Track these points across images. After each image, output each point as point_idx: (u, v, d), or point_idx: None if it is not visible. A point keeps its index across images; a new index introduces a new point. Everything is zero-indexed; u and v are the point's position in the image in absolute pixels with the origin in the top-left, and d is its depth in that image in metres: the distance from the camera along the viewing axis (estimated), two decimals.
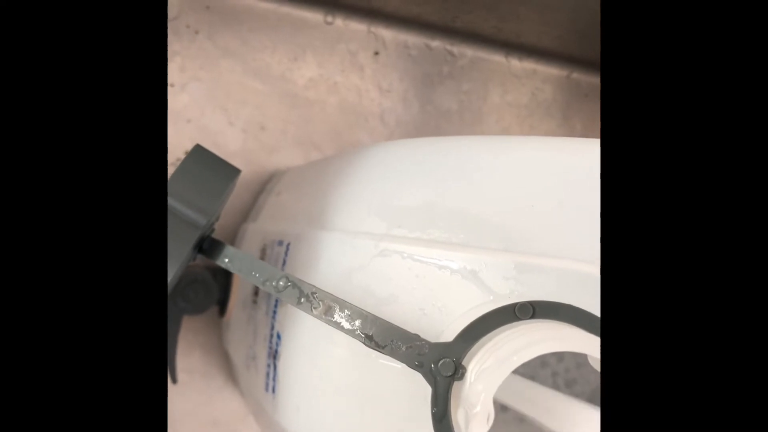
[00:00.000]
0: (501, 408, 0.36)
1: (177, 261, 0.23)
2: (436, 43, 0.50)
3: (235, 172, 0.27)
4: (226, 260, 0.26)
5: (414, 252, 0.24)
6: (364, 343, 0.21)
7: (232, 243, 0.44)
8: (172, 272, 0.23)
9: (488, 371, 0.18)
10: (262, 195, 0.44)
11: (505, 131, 0.52)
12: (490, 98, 0.52)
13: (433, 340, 0.22)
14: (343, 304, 0.21)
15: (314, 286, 0.22)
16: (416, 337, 0.20)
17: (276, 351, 0.29)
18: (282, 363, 0.28)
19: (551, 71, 0.53)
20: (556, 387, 0.48)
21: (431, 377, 0.20)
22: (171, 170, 0.25)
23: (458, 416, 0.19)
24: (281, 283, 0.23)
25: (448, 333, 0.22)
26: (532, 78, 0.53)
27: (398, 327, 0.21)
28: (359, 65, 0.48)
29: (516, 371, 0.39)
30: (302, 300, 0.22)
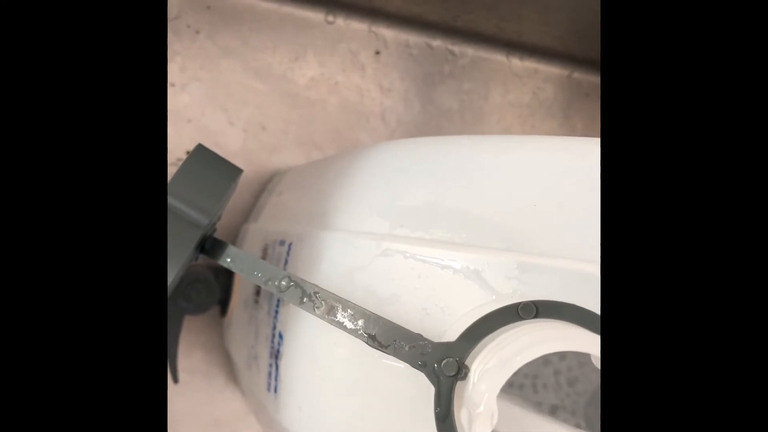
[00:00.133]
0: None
1: (179, 261, 0.23)
2: (437, 43, 0.50)
3: (236, 171, 0.27)
4: (228, 260, 0.26)
5: (416, 252, 0.24)
6: (367, 343, 0.21)
7: (234, 243, 0.44)
8: (174, 272, 0.23)
9: (492, 371, 0.18)
10: (263, 195, 0.44)
11: (507, 131, 0.52)
12: (491, 98, 0.52)
13: (436, 339, 0.22)
14: (346, 304, 0.21)
15: (317, 286, 0.22)
16: (419, 336, 0.20)
17: (278, 351, 0.29)
18: (284, 363, 0.28)
19: (552, 71, 0.53)
20: (558, 385, 0.48)
21: (434, 377, 0.20)
22: (172, 170, 0.25)
23: (461, 416, 0.19)
24: (284, 282, 0.23)
25: (451, 333, 0.22)
26: (533, 77, 0.53)
27: (401, 327, 0.20)
28: (360, 65, 0.48)
29: (517, 373, 0.39)
30: (305, 300, 0.22)
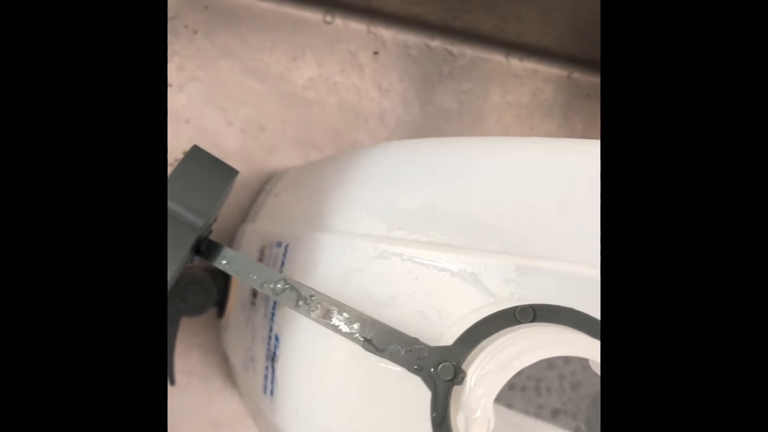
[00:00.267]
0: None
1: (174, 263, 0.23)
2: (436, 43, 0.50)
3: (232, 173, 0.27)
4: (224, 262, 0.25)
5: (413, 254, 0.24)
6: (362, 347, 0.21)
7: (231, 244, 0.44)
8: (170, 274, 0.23)
9: (488, 376, 0.18)
10: (261, 196, 0.44)
11: (506, 131, 0.52)
12: (490, 98, 0.51)
13: (432, 343, 0.22)
14: (342, 307, 0.21)
15: (312, 289, 0.22)
16: (415, 340, 0.20)
17: (274, 353, 0.29)
18: (280, 365, 0.28)
19: (552, 71, 0.53)
20: (561, 389, 0.48)
21: (431, 381, 0.20)
22: (168, 171, 0.25)
23: (458, 421, 0.19)
24: (279, 285, 0.23)
25: (448, 336, 0.22)
26: (532, 78, 0.52)
27: (397, 330, 0.20)
28: (359, 65, 0.48)
29: (520, 376, 0.38)
30: (300, 303, 0.22)
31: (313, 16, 0.47)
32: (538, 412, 0.49)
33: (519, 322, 0.19)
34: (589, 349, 0.18)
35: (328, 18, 0.47)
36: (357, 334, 0.21)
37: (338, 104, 0.48)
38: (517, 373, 0.18)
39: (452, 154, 0.26)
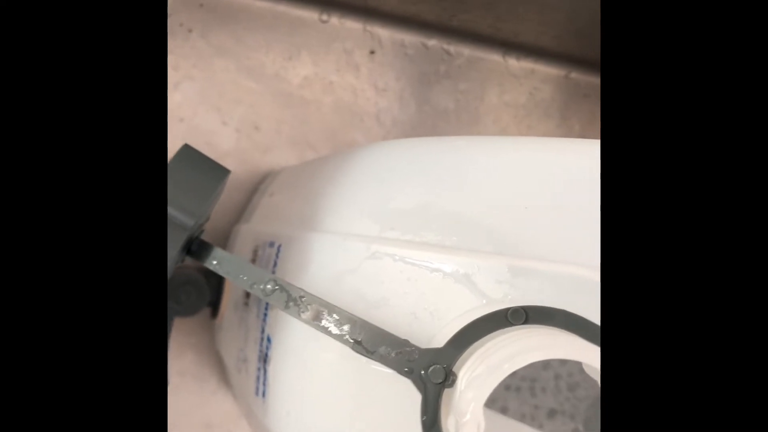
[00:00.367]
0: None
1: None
2: (433, 42, 0.49)
3: (224, 172, 0.27)
4: (215, 262, 0.25)
5: (406, 255, 0.24)
6: (352, 349, 0.20)
7: (225, 244, 0.43)
8: None
9: (479, 379, 0.18)
10: (255, 195, 0.44)
11: (503, 131, 0.52)
12: (487, 98, 0.51)
13: (424, 345, 0.21)
14: (332, 309, 0.21)
15: (302, 290, 0.22)
16: (406, 342, 0.20)
17: (266, 354, 0.28)
18: (272, 367, 0.28)
19: (549, 71, 0.52)
20: (557, 389, 0.48)
21: (421, 384, 0.19)
22: None
23: (449, 424, 0.19)
24: (269, 286, 0.22)
25: (440, 337, 0.21)
26: (530, 78, 0.52)
27: (387, 332, 0.20)
28: (355, 64, 0.48)
29: (515, 376, 0.38)
30: (290, 304, 0.22)
31: (308, 14, 0.47)
32: (534, 413, 0.49)
33: (511, 324, 0.19)
34: (580, 351, 0.18)
35: (324, 17, 0.47)
36: (347, 336, 0.20)
37: (334, 104, 0.48)
38: (512, 373, 0.18)
39: (446, 154, 0.26)
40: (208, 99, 0.45)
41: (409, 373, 0.19)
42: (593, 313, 0.20)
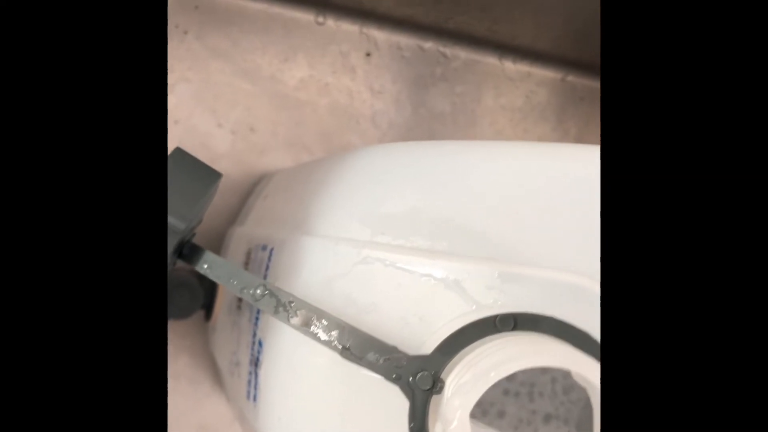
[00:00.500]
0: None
1: None
2: (429, 45, 0.49)
3: (216, 176, 0.27)
4: (205, 266, 0.25)
5: (396, 260, 0.24)
6: (341, 355, 0.20)
7: (220, 247, 0.43)
8: None
9: (466, 387, 0.18)
10: (250, 198, 0.44)
11: (499, 134, 0.51)
12: (483, 101, 0.51)
13: (414, 350, 0.21)
14: (321, 314, 0.21)
15: (292, 295, 0.22)
16: (394, 349, 0.20)
17: (257, 359, 0.28)
18: (263, 371, 0.28)
19: (546, 74, 0.52)
20: (554, 393, 0.48)
21: (409, 390, 0.19)
22: None
23: (436, 430, 0.19)
24: (258, 291, 0.22)
25: (430, 343, 0.21)
26: (526, 81, 0.52)
27: (376, 338, 0.20)
28: (351, 66, 0.48)
29: (513, 381, 0.38)
30: (279, 309, 0.21)
31: (304, 16, 0.47)
32: (531, 418, 0.49)
33: (499, 331, 0.19)
34: (570, 360, 0.18)
35: (320, 19, 0.47)
36: (335, 342, 0.20)
37: (330, 106, 0.47)
38: (511, 378, 0.18)
39: (437, 159, 0.26)
40: (204, 101, 0.45)
41: (397, 380, 0.19)
42: (582, 320, 0.20)
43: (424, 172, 0.26)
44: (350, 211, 0.27)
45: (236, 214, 0.45)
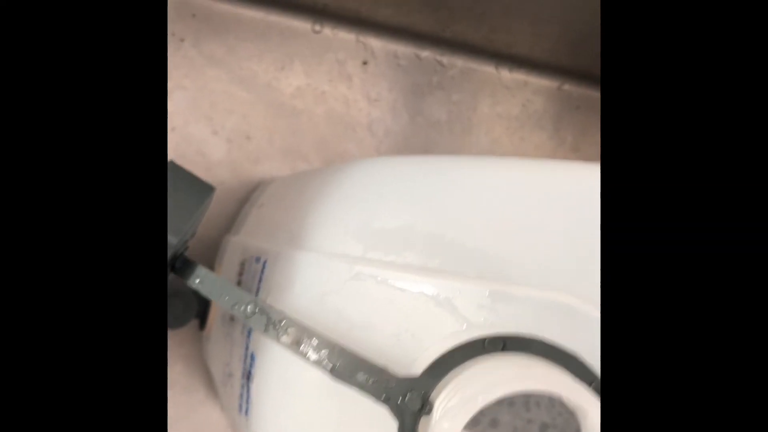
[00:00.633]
0: None
1: None
2: (426, 53, 0.49)
3: (208, 189, 0.27)
4: (197, 281, 0.25)
5: (388, 276, 0.24)
6: (330, 375, 0.20)
7: (215, 255, 0.43)
8: None
9: (454, 410, 0.18)
10: (245, 206, 0.44)
11: (495, 143, 0.51)
12: (479, 109, 0.51)
13: (406, 367, 0.21)
14: (311, 333, 0.21)
15: (282, 313, 0.22)
16: (383, 370, 0.20)
17: (249, 372, 0.28)
18: (255, 385, 0.28)
19: (542, 82, 0.52)
20: (551, 404, 0.48)
21: (398, 412, 0.19)
22: None
23: None
24: (249, 308, 0.22)
25: (421, 361, 0.21)
26: (522, 89, 0.52)
27: (365, 359, 0.20)
28: (347, 75, 0.48)
29: None
30: (269, 327, 0.21)
31: (301, 25, 0.47)
32: (526, 427, 0.49)
33: (488, 352, 0.19)
34: (555, 384, 0.18)
35: (317, 27, 0.47)
36: (325, 362, 0.20)
37: (326, 114, 0.47)
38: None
39: (430, 175, 0.26)
40: (200, 108, 0.45)
41: (386, 401, 0.19)
42: (571, 340, 0.20)
43: (417, 187, 0.26)
44: (343, 226, 0.27)
45: (232, 222, 0.45)
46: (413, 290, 0.23)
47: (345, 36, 0.48)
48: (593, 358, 0.20)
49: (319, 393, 0.24)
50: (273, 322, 0.22)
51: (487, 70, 0.51)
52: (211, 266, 0.43)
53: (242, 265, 0.35)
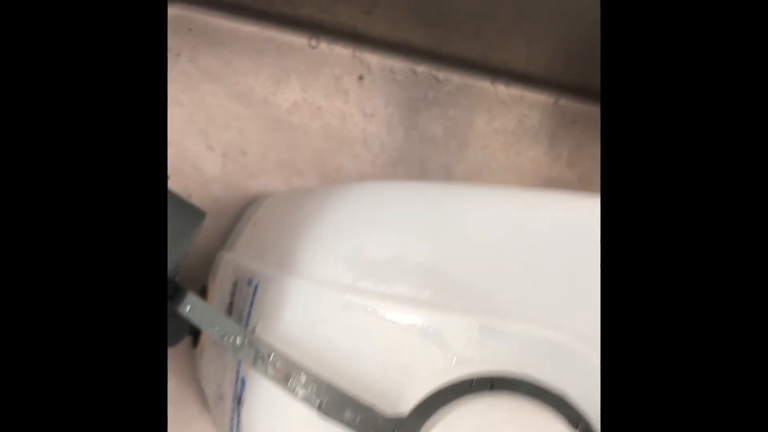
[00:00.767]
0: None
1: None
2: (422, 69, 0.49)
3: (200, 216, 0.27)
4: (188, 308, 0.25)
5: (378, 307, 0.24)
6: (318, 411, 0.20)
7: (209, 270, 0.43)
8: None
9: None
10: (240, 221, 0.44)
11: (491, 157, 0.51)
12: (475, 124, 0.51)
13: (393, 402, 0.21)
14: (299, 369, 0.21)
15: (271, 347, 0.22)
16: (370, 408, 0.20)
17: (240, 397, 0.28)
18: (245, 411, 0.27)
19: (538, 97, 0.52)
20: None
21: None
22: None
23: None
24: (238, 340, 0.22)
25: (410, 396, 0.21)
26: (518, 104, 0.52)
27: (353, 397, 0.20)
28: (343, 89, 0.48)
29: None
30: (258, 361, 0.21)
31: (298, 40, 0.47)
32: None
33: (476, 392, 0.19)
34: (540, 428, 0.18)
35: (314, 42, 0.47)
36: (313, 398, 0.20)
37: (322, 129, 0.47)
38: None
39: (424, 204, 0.26)
40: (196, 123, 0.45)
41: None
42: (558, 377, 0.20)
43: (409, 217, 0.26)
44: (334, 253, 0.27)
45: (226, 237, 0.45)
46: (403, 322, 0.23)
47: (341, 51, 0.48)
48: (581, 397, 0.20)
49: (308, 426, 0.24)
50: (261, 356, 0.22)
51: (483, 85, 0.51)
52: (205, 281, 0.43)
53: (235, 285, 0.35)
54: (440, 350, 0.22)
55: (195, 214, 0.27)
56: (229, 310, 0.34)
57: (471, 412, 0.18)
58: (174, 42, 0.44)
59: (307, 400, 0.20)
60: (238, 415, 0.28)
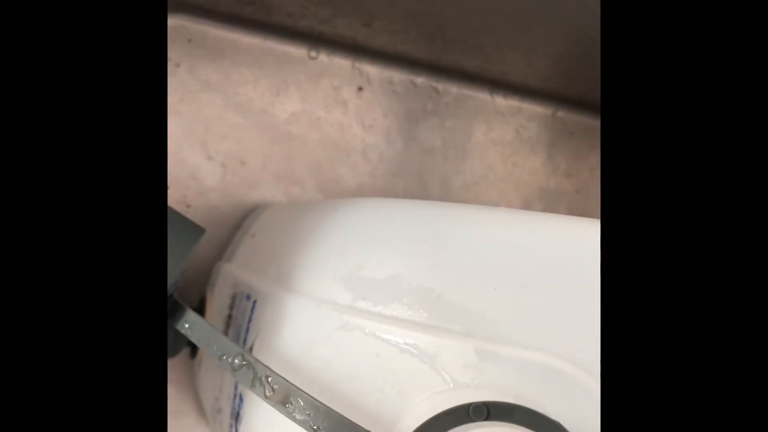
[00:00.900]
0: None
1: None
2: (421, 80, 0.50)
3: (199, 232, 0.27)
4: (186, 326, 0.25)
5: (375, 329, 0.24)
6: None
7: (208, 280, 0.43)
8: None
9: None
10: (239, 232, 0.44)
11: (489, 168, 0.52)
12: (474, 135, 0.51)
13: (390, 426, 0.21)
14: (297, 393, 0.21)
15: (269, 369, 0.22)
16: None
17: (238, 413, 0.28)
18: (243, 427, 0.28)
19: (536, 109, 0.53)
20: None
21: None
22: None
23: None
24: (237, 361, 0.22)
25: (407, 420, 0.22)
26: (516, 116, 0.52)
27: (351, 423, 0.20)
28: (342, 100, 0.48)
29: None
30: (256, 383, 0.22)
31: (297, 51, 0.47)
32: None
33: (472, 420, 0.19)
34: None
35: (313, 53, 0.47)
36: (310, 422, 0.20)
37: (321, 139, 0.48)
38: None
39: (422, 224, 0.26)
40: (195, 133, 0.45)
41: None
42: (555, 403, 0.21)
43: (408, 237, 0.26)
44: (333, 271, 0.27)
45: (225, 247, 0.45)
46: (400, 344, 0.23)
47: (341, 62, 0.48)
48: (577, 423, 0.20)
49: None
50: (259, 378, 0.22)
51: (481, 96, 0.51)
52: (203, 291, 0.43)
53: (233, 298, 0.35)
54: (437, 374, 0.22)
55: (194, 230, 0.27)
56: (228, 323, 0.34)
57: None
58: (173, 52, 0.44)
59: (304, 424, 0.20)
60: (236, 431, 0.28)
